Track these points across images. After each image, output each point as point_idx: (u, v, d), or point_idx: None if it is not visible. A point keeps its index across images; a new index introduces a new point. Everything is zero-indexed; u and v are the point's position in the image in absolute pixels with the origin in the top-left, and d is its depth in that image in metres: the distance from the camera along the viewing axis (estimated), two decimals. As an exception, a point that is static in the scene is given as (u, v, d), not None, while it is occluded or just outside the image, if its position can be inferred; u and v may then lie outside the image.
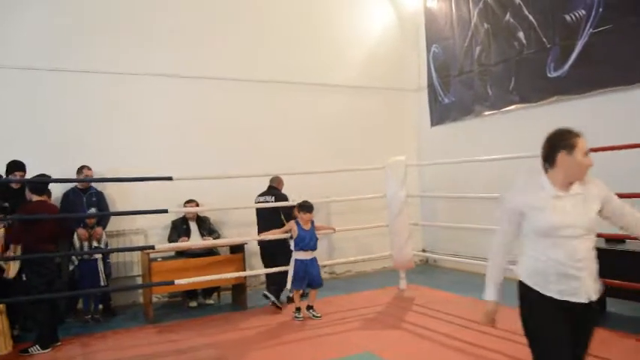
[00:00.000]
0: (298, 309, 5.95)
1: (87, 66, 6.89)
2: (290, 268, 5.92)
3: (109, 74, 7.01)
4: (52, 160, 6.45)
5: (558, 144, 2.67)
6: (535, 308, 2.66)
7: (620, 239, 5.20)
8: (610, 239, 5.24)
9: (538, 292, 2.62)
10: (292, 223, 5.99)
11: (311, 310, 6.00)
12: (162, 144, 7.30)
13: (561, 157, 2.63)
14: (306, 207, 6.00)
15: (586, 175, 2.70)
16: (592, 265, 2.65)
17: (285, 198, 6.71)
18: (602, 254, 5.22)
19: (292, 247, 5.94)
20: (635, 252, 4.96)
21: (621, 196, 5.28)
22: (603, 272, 4.87)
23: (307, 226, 5.96)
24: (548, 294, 2.59)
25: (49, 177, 5.57)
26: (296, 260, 5.89)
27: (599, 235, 5.05)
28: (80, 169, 6.49)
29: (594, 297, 2.59)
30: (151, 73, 7.28)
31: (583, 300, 2.55)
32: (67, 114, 6.82)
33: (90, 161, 6.59)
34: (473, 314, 5.67)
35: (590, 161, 2.67)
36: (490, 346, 4.63)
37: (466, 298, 6.55)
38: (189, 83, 7.53)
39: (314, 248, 5.97)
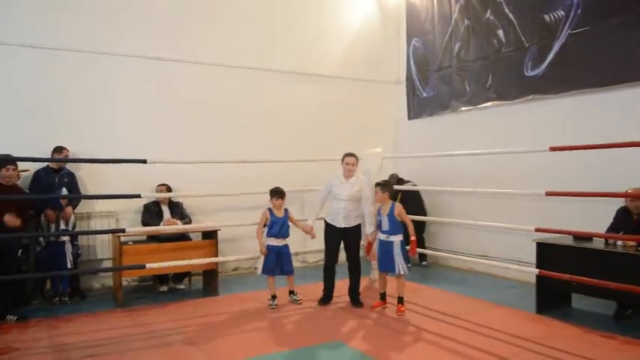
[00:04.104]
0: (273, 297, 5.91)
1: (64, 44, 6.73)
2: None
3: (87, 53, 6.87)
4: (26, 140, 6.31)
5: (342, 159, 5.87)
6: (326, 229, 5.92)
7: (588, 237, 5.33)
8: (577, 237, 5.36)
9: (327, 222, 5.91)
10: (265, 210, 5.96)
11: (292, 295, 6.05)
12: (139, 127, 7.20)
13: (342, 165, 5.85)
14: (274, 192, 5.97)
15: (350, 175, 5.79)
16: (347, 213, 5.79)
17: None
18: (569, 251, 5.39)
19: (265, 233, 5.92)
20: (601, 250, 5.08)
21: (590, 194, 5.37)
22: (570, 268, 5.01)
23: (280, 213, 5.94)
24: (330, 222, 5.87)
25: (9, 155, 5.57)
26: (267, 246, 5.86)
27: (568, 234, 5.20)
28: (60, 150, 6.36)
29: (345, 225, 5.81)
30: (131, 54, 7.15)
31: (341, 226, 5.81)
32: (43, 93, 6.66)
33: (65, 142, 6.46)
34: (442, 305, 5.79)
35: (349, 169, 5.78)
36: (455, 337, 4.74)
37: (435, 290, 6.67)
38: (168, 67, 7.41)
39: (285, 236, 5.95)
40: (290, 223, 6.04)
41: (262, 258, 5.87)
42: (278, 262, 5.88)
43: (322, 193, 6.01)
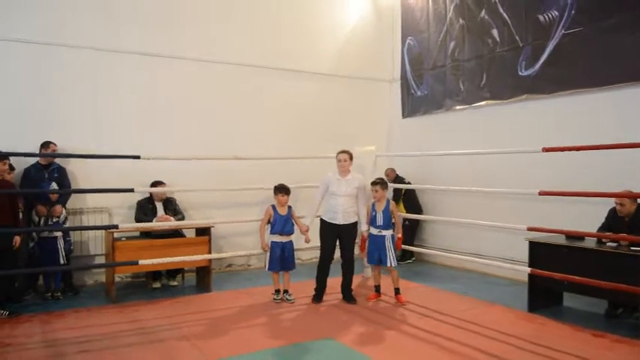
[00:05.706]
0: (277, 291, 6.00)
1: (53, 39, 6.68)
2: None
3: (78, 48, 6.83)
4: (14, 136, 6.28)
5: (335, 156, 5.91)
6: (322, 226, 5.94)
7: (580, 237, 5.36)
8: (570, 236, 5.39)
9: (323, 219, 5.91)
10: (269, 207, 5.99)
11: (286, 294, 6.03)
12: (132, 124, 7.17)
13: (337, 163, 5.88)
14: (279, 188, 5.99)
15: (343, 171, 5.84)
16: (345, 209, 5.81)
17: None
18: (561, 250, 5.41)
19: (269, 231, 5.95)
20: (593, 249, 5.11)
21: (583, 194, 5.38)
22: (562, 267, 5.03)
23: (283, 211, 5.95)
24: (327, 219, 5.87)
25: None
26: (272, 242, 5.90)
27: (560, 233, 5.21)
28: (47, 145, 6.31)
29: (344, 222, 5.81)
30: (123, 50, 7.12)
31: (339, 222, 5.82)
32: (33, 88, 6.61)
33: (54, 137, 6.43)
34: (434, 302, 5.83)
35: (342, 165, 5.83)
36: (447, 334, 4.77)
37: (427, 287, 6.70)
38: (161, 63, 7.39)
39: (290, 232, 5.97)
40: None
41: (268, 255, 5.92)
42: (282, 257, 5.91)
43: (320, 191, 6.01)
